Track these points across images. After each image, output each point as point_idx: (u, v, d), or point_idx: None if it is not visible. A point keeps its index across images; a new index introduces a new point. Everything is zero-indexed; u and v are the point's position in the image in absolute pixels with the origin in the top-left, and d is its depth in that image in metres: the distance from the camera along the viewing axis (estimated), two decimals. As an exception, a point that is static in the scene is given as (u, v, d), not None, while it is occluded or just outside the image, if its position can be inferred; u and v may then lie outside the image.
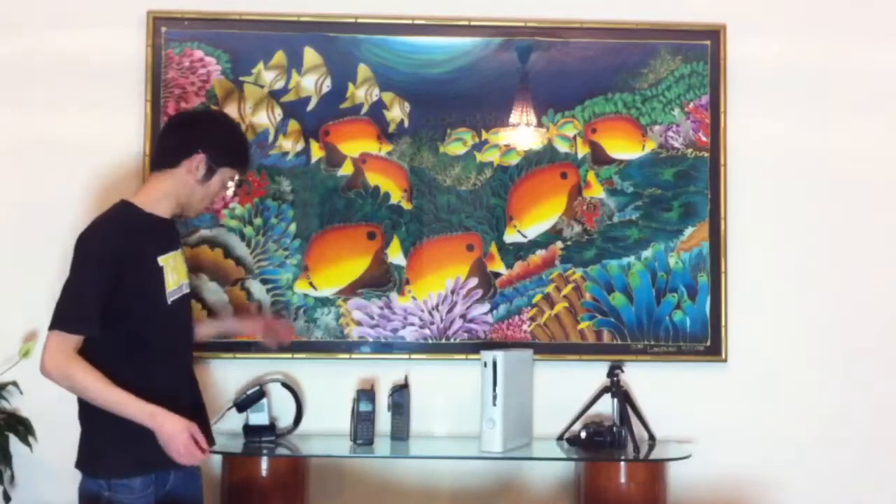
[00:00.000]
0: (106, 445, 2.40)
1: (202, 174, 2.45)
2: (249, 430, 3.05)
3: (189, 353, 2.60)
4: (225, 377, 3.17)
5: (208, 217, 3.17)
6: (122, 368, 2.34)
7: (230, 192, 2.66)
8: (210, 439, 2.50)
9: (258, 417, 3.05)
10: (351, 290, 3.20)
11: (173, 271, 2.46)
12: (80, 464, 2.45)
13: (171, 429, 2.31)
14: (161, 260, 2.43)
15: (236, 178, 2.56)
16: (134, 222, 2.42)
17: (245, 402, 3.04)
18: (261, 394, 3.05)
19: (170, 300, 2.43)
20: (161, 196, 2.46)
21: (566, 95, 3.25)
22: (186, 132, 2.52)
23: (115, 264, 2.32)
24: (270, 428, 3.06)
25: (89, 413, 2.39)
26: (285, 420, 3.14)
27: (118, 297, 2.33)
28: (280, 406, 3.16)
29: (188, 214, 2.57)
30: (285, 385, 3.12)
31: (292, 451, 3.01)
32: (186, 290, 2.52)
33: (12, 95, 3.21)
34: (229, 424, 3.08)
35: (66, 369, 2.29)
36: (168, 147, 2.50)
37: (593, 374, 3.18)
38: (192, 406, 2.50)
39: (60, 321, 2.30)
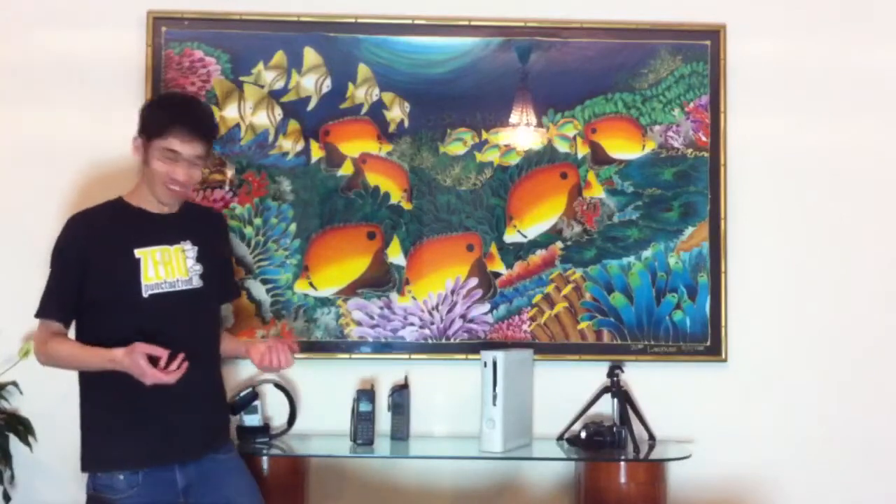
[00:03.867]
0: (90, 439, 2.46)
1: (141, 155, 2.48)
2: (243, 431, 3.04)
3: (183, 353, 2.41)
4: (230, 376, 3.16)
5: (208, 217, 3.17)
6: (95, 375, 2.43)
7: (180, 169, 2.46)
8: (219, 437, 2.53)
9: (252, 419, 3.05)
10: (351, 290, 3.20)
11: (161, 265, 2.47)
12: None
13: (122, 359, 2.32)
14: (140, 252, 2.45)
15: (175, 148, 2.43)
16: (108, 216, 2.50)
17: (238, 405, 3.04)
18: (254, 395, 3.05)
19: (146, 293, 2.44)
20: (142, 189, 2.51)
21: (566, 95, 3.25)
22: None
23: (77, 255, 2.43)
24: (264, 429, 3.06)
25: (82, 407, 2.48)
26: (279, 421, 3.14)
27: (88, 287, 2.42)
28: (274, 407, 3.16)
29: (160, 200, 2.50)
30: (278, 386, 3.12)
31: (286, 452, 3.01)
32: (183, 287, 2.50)
33: (12, 95, 3.21)
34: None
35: (42, 348, 2.46)
36: None
37: (593, 374, 3.18)
38: (187, 405, 2.45)
39: (37, 310, 2.50)
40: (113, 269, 2.44)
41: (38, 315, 2.49)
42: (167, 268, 2.48)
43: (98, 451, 2.45)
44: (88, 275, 2.43)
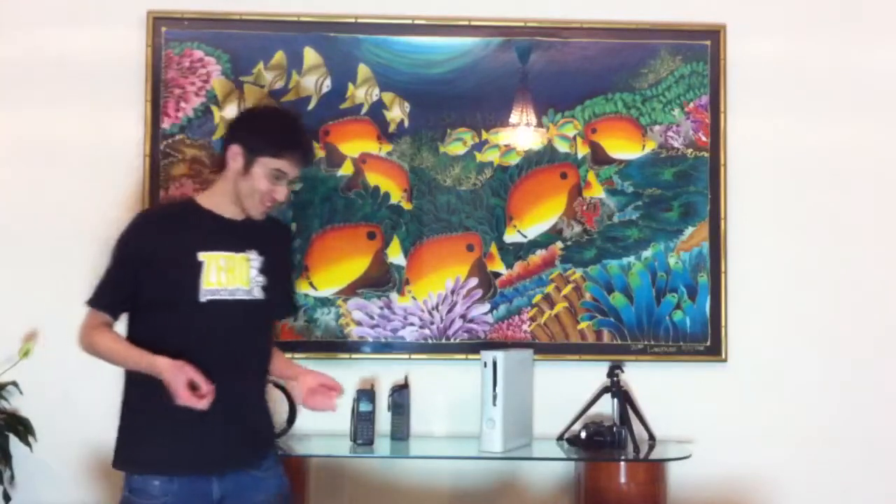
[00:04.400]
0: (127, 437, 2.42)
1: (241, 165, 2.42)
2: None
3: (234, 363, 2.40)
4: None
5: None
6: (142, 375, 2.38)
7: (282, 189, 2.44)
8: (260, 452, 2.46)
9: None
10: (351, 290, 3.20)
11: (223, 272, 2.39)
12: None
13: (165, 371, 2.27)
14: (203, 256, 2.38)
15: (284, 170, 2.42)
16: (177, 215, 2.47)
17: None
18: None
19: (204, 297, 2.37)
20: (219, 194, 2.45)
21: (566, 95, 3.25)
22: (229, 128, 2.53)
23: (138, 251, 2.39)
24: None
25: (123, 404, 2.45)
26: (279, 420, 3.13)
27: (147, 284, 2.38)
28: (274, 407, 3.15)
29: (249, 213, 2.45)
30: (278, 386, 3.12)
31: (286, 452, 3.01)
32: (243, 297, 2.41)
33: (12, 95, 3.21)
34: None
35: (87, 338, 2.41)
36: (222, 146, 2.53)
37: (593, 374, 3.18)
38: (232, 416, 2.38)
39: (89, 298, 2.44)
40: (174, 269, 2.38)
41: (89, 303, 2.44)
42: (229, 275, 2.40)
43: (134, 452, 2.40)
44: (148, 272, 2.38)
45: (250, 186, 2.41)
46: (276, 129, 2.47)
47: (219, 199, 2.46)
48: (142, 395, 2.39)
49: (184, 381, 2.25)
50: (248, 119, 2.56)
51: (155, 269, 2.37)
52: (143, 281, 2.38)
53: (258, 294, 2.44)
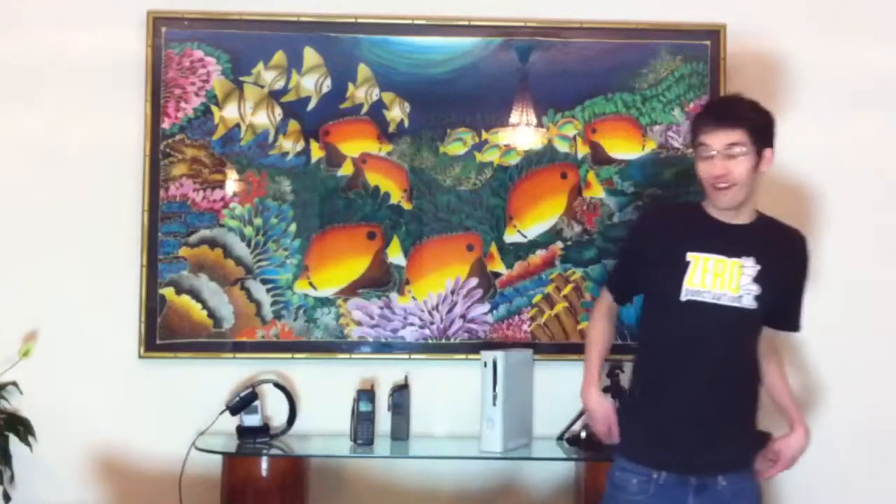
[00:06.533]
0: (622, 416, 2.50)
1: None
2: (243, 431, 3.04)
3: (708, 367, 2.33)
4: (230, 376, 3.17)
5: (208, 217, 3.17)
6: (642, 357, 2.50)
7: (716, 163, 2.31)
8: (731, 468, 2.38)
9: (251, 419, 3.05)
10: (351, 290, 3.20)
11: (709, 274, 2.33)
12: None
13: (590, 404, 2.50)
14: (692, 256, 2.34)
15: (706, 141, 2.32)
16: (681, 215, 2.52)
17: (238, 405, 3.04)
18: (253, 395, 3.05)
19: (685, 297, 2.32)
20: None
21: (566, 95, 3.25)
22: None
23: (639, 245, 2.49)
24: (264, 429, 3.06)
25: (630, 383, 2.56)
26: (279, 421, 3.14)
27: (641, 278, 2.47)
28: (274, 407, 3.16)
29: (718, 206, 2.37)
30: (278, 385, 3.12)
31: (287, 452, 3.01)
32: (728, 303, 2.31)
33: (12, 95, 3.21)
34: (225, 425, 3.08)
35: (593, 314, 2.64)
36: None
37: (593, 374, 3.18)
38: (709, 422, 2.34)
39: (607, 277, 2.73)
40: (662, 266, 2.37)
41: (604, 282, 2.66)
42: (716, 279, 2.32)
43: (624, 433, 2.47)
44: (643, 267, 2.44)
45: (700, 179, 2.38)
46: (704, 106, 2.51)
47: (710, 204, 2.41)
48: (641, 382, 2.47)
49: (603, 427, 2.48)
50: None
51: (649, 264, 2.42)
52: (640, 274, 2.46)
53: (748, 303, 2.33)
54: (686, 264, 2.34)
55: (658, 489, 2.35)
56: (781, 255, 2.40)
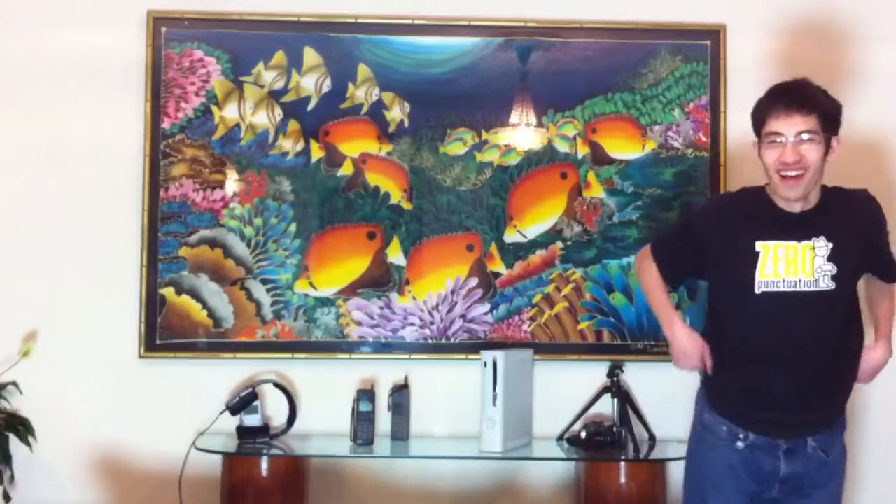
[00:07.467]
0: (709, 378, 2.47)
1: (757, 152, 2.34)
2: (243, 431, 3.04)
3: (793, 357, 2.30)
4: (230, 376, 3.17)
5: (208, 217, 3.17)
6: (714, 346, 2.43)
7: (785, 150, 2.24)
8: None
9: (251, 419, 3.05)
10: (351, 290, 3.20)
11: (781, 262, 2.28)
12: None
13: (680, 340, 2.43)
14: (761, 246, 2.29)
15: (776, 128, 2.25)
16: (747, 203, 2.38)
17: (238, 405, 3.04)
18: (253, 395, 3.05)
19: (759, 290, 2.28)
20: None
21: (566, 95, 3.25)
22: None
23: (696, 233, 2.42)
24: (264, 429, 3.07)
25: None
26: (279, 421, 3.14)
27: (707, 269, 2.43)
28: (274, 407, 3.16)
29: (784, 196, 2.29)
30: (278, 385, 3.12)
31: (287, 452, 3.01)
32: (806, 289, 2.27)
33: (12, 95, 3.21)
34: (225, 425, 3.08)
35: (638, 265, 2.65)
36: None
37: (593, 374, 3.18)
38: (795, 405, 2.32)
39: (653, 241, 2.62)
40: (731, 257, 2.32)
41: (652, 248, 2.55)
42: (789, 266, 2.28)
43: (710, 395, 2.46)
44: (707, 257, 2.38)
45: (766, 169, 2.30)
46: (761, 100, 2.34)
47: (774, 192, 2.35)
48: (717, 347, 2.43)
49: (697, 361, 2.42)
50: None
51: (715, 256, 2.36)
52: (705, 265, 2.41)
53: (825, 285, 2.28)
54: (756, 255, 2.29)
55: (748, 446, 2.35)
56: (852, 224, 2.35)
